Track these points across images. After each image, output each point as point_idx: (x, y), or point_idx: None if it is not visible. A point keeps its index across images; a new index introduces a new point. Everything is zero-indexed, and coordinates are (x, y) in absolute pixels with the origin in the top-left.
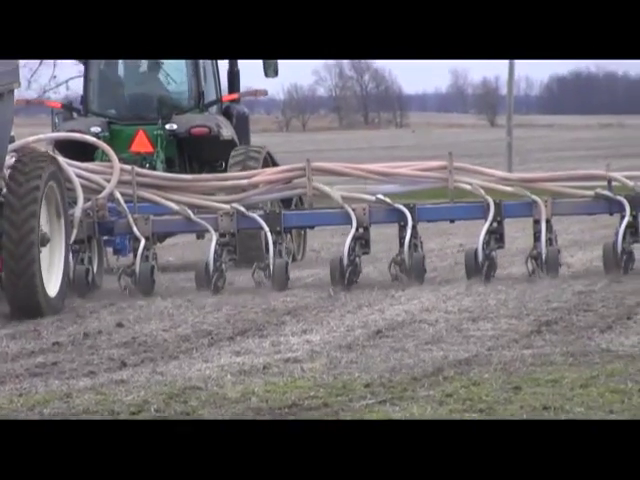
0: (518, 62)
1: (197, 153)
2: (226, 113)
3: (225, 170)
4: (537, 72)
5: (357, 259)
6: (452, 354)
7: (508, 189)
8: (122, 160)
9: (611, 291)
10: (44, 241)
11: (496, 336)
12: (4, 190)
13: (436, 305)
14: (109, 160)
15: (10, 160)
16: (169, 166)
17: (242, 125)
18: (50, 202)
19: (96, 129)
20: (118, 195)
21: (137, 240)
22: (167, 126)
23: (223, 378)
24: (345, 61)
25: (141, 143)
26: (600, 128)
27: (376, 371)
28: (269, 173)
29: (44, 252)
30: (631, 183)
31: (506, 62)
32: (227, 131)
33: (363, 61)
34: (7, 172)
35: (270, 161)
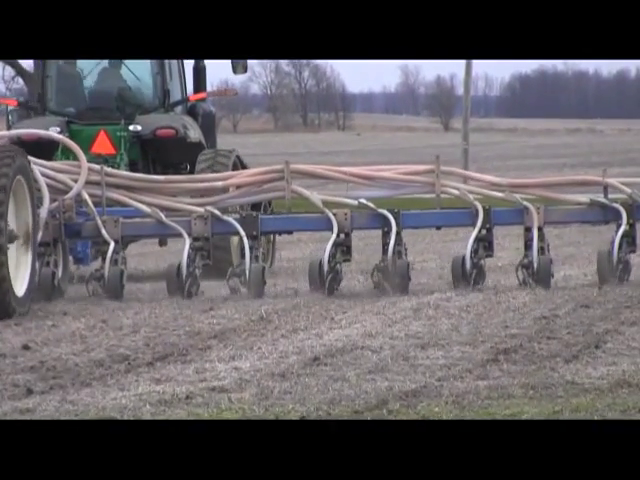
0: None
1: (162, 155)
2: (191, 112)
3: (190, 173)
4: (497, 70)
5: (338, 266)
6: (398, 385)
7: (498, 195)
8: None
9: (577, 317)
10: (11, 238)
11: (447, 365)
12: None
13: (380, 330)
14: (74, 159)
15: None
16: (132, 169)
17: (208, 125)
18: (17, 197)
19: (55, 129)
20: (86, 196)
21: (106, 243)
22: (131, 127)
23: (141, 408)
24: None
25: (102, 144)
26: (567, 133)
27: (312, 403)
28: (245, 175)
29: (11, 249)
30: (628, 190)
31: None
32: (194, 133)
33: None
34: None
35: (239, 165)
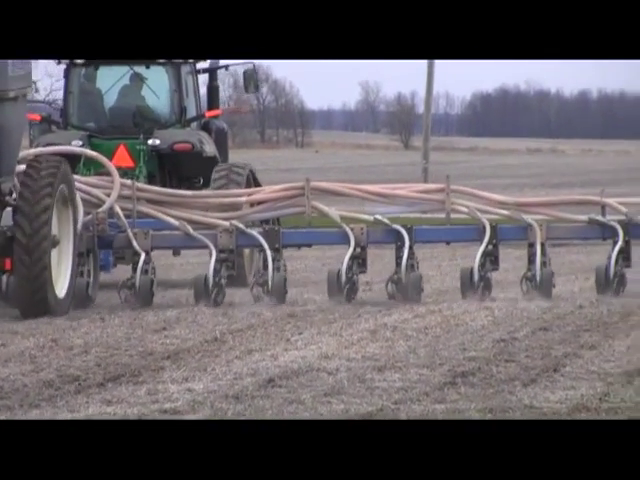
0: (438, 77)
1: (178, 169)
2: (205, 128)
3: (203, 186)
4: (458, 89)
5: (355, 277)
6: (354, 407)
7: (504, 212)
8: (103, 174)
9: (536, 340)
10: (54, 243)
11: (404, 388)
12: (15, 195)
13: (337, 351)
14: (99, 174)
15: (20, 167)
16: (150, 182)
17: (221, 141)
18: (60, 204)
19: (77, 142)
20: (118, 209)
21: (137, 254)
22: (149, 141)
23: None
24: (239, 70)
25: (122, 158)
26: (528, 153)
27: None
28: (268, 191)
29: (53, 253)
30: (624, 209)
31: (424, 76)
32: (209, 147)
33: (261, 71)
34: (19, 178)
35: (252, 179)
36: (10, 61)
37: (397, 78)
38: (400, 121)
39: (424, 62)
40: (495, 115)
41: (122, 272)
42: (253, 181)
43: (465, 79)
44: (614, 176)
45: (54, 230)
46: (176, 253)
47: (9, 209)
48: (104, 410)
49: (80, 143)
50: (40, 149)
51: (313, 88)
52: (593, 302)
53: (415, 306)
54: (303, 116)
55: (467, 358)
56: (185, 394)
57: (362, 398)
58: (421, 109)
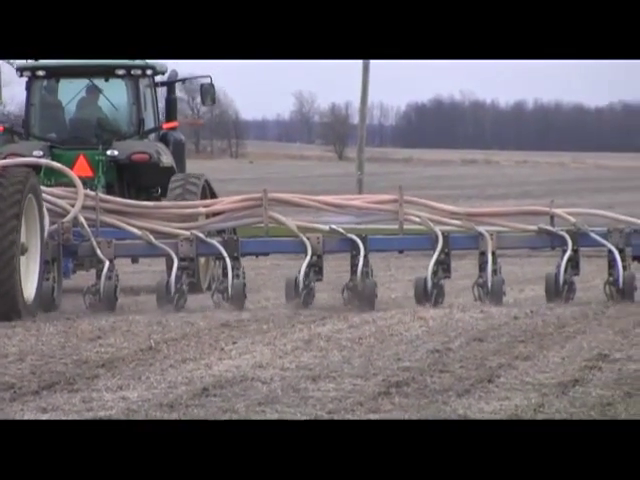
0: (372, 87)
1: (136, 179)
2: (163, 139)
3: (161, 196)
4: (393, 99)
5: (312, 284)
6: (288, 417)
7: (456, 222)
8: (63, 184)
9: (471, 350)
10: (22, 250)
11: (338, 398)
12: None
13: (271, 361)
14: (60, 184)
15: None
16: (109, 191)
17: (178, 152)
18: (28, 213)
19: (38, 153)
20: (82, 219)
21: (100, 262)
22: (108, 152)
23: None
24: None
25: (82, 168)
26: (463, 164)
27: None
28: (227, 202)
29: (22, 261)
30: (573, 219)
31: (358, 86)
32: (167, 158)
33: (195, 81)
34: None
35: (208, 189)
36: None
37: (331, 89)
38: (334, 132)
39: (358, 72)
40: (430, 126)
41: (80, 278)
42: (209, 191)
43: (400, 89)
44: (549, 187)
45: (22, 238)
46: (134, 261)
47: None
48: (39, 418)
49: (41, 153)
50: (7, 160)
51: (247, 98)
52: (528, 313)
53: (349, 316)
54: (238, 126)
55: (401, 368)
56: (120, 402)
57: (296, 408)
58: (355, 120)
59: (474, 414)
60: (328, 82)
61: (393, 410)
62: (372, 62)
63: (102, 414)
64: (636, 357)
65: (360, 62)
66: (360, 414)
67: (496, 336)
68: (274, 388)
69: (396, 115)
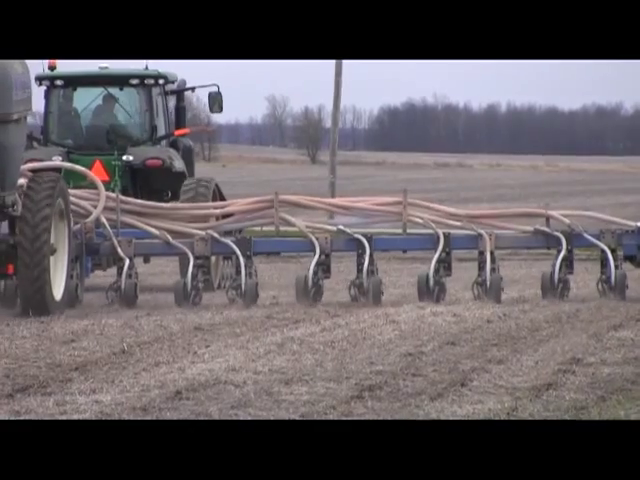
0: (345, 91)
1: (149, 183)
2: (173, 145)
3: (172, 199)
4: (366, 103)
5: (320, 281)
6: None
7: (456, 223)
8: (81, 187)
9: (443, 354)
10: (52, 251)
11: (311, 401)
12: (18, 206)
13: (244, 364)
14: (78, 187)
15: (20, 180)
16: (123, 194)
17: (187, 157)
18: (57, 215)
19: (57, 158)
20: (104, 220)
21: (121, 260)
22: (124, 157)
23: None
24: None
25: (98, 172)
26: (436, 168)
27: None
28: (240, 204)
29: (51, 260)
30: (567, 221)
31: (331, 90)
32: (178, 163)
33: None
34: (21, 190)
35: (217, 192)
36: (14, 86)
37: (304, 92)
38: (307, 135)
39: (331, 76)
40: (402, 129)
41: (98, 277)
42: (218, 194)
43: (372, 93)
44: (522, 191)
45: (52, 239)
46: (146, 261)
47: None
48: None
49: (60, 158)
50: (37, 164)
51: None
52: (501, 316)
53: (322, 319)
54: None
55: (374, 372)
56: (93, 406)
57: (269, 411)
58: (328, 123)
59: (447, 418)
60: (301, 86)
61: (366, 414)
62: (345, 66)
63: (75, 417)
64: (610, 361)
65: (333, 66)
66: (333, 418)
67: (469, 340)
68: (247, 392)
69: (369, 119)
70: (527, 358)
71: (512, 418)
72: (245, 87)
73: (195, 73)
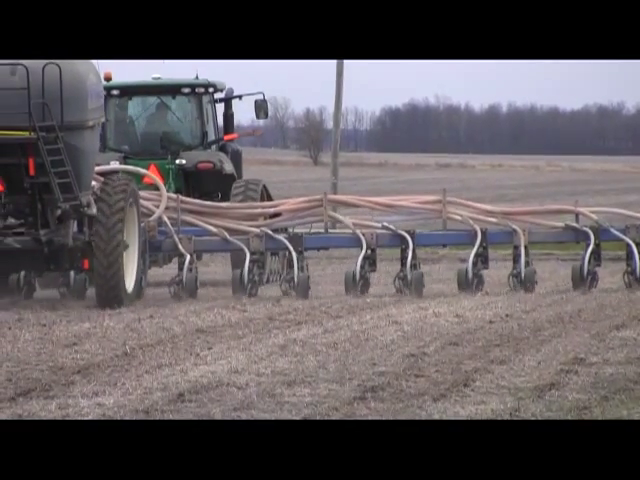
0: (346, 92)
1: (201, 185)
2: (222, 149)
3: (221, 200)
4: (367, 104)
5: (367, 274)
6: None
7: (492, 220)
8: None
9: (446, 354)
10: (125, 247)
11: (314, 403)
12: (91, 205)
13: (246, 366)
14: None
15: (93, 183)
16: None
17: (236, 160)
18: (129, 215)
19: (115, 163)
20: (165, 218)
21: (182, 255)
22: (177, 161)
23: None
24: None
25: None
26: (438, 168)
27: None
28: (292, 203)
29: (123, 255)
30: (595, 217)
31: (332, 91)
32: (228, 166)
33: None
34: (96, 193)
35: (265, 193)
36: (89, 95)
37: (305, 94)
38: (309, 137)
39: (332, 78)
40: (404, 130)
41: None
42: (266, 195)
43: (374, 94)
44: (524, 191)
45: (124, 237)
46: (198, 258)
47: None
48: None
49: (117, 163)
50: (109, 167)
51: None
52: (503, 317)
53: (324, 321)
54: None
55: (377, 373)
56: (96, 408)
57: (271, 413)
58: (330, 125)
59: (450, 418)
60: (302, 88)
61: (369, 415)
62: (346, 67)
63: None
64: (612, 360)
65: (334, 67)
66: (336, 419)
67: (471, 340)
68: (249, 393)
69: (371, 120)
70: (529, 358)
71: (515, 418)
72: (246, 89)
73: (193, 72)
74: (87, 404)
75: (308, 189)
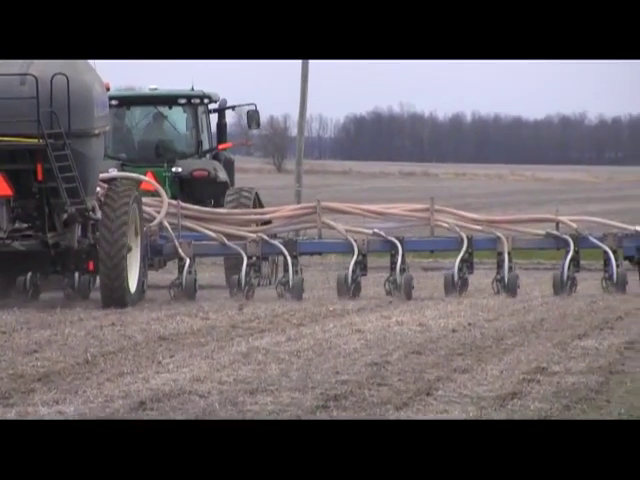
0: (311, 100)
1: (196, 192)
2: (215, 158)
3: (214, 207)
4: (332, 111)
5: (358, 279)
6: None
7: (477, 227)
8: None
9: (409, 363)
10: (128, 250)
11: (276, 411)
12: (96, 210)
13: (209, 374)
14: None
15: (98, 189)
16: None
17: (229, 168)
18: (132, 219)
19: (113, 170)
20: (166, 224)
21: (182, 259)
22: (173, 169)
23: None
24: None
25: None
26: (401, 176)
27: None
28: (287, 210)
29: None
30: (574, 225)
31: (297, 99)
32: (222, 174)
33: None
34: (100, 198)
35: (257, 201)
36: (95, 104)
37: (269, 101)
38: (273, 144)
39: (297, 84)
40: (368, 138)
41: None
42: (258, 202)
43: (339, 102)
44: (488, 200)
45: (128, 239)
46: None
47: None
48: None
49: (115, 170)
50: (113, 174)
51: None
52: (466, 326)
53: (287, 329)
54: None
55: (339, 382)
56: (56, 417)
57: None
58: (294, 132)
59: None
60: (266, 94)
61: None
62: (311, 73)
63: None
64: (574, 370)
65: (299, 74)
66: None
67: (434, 349)
68: (212, 402)
69: (335, 127)
70: (492, 367)
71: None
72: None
73: (153, 75)
74: (47, 412)
75: (272, 196)
